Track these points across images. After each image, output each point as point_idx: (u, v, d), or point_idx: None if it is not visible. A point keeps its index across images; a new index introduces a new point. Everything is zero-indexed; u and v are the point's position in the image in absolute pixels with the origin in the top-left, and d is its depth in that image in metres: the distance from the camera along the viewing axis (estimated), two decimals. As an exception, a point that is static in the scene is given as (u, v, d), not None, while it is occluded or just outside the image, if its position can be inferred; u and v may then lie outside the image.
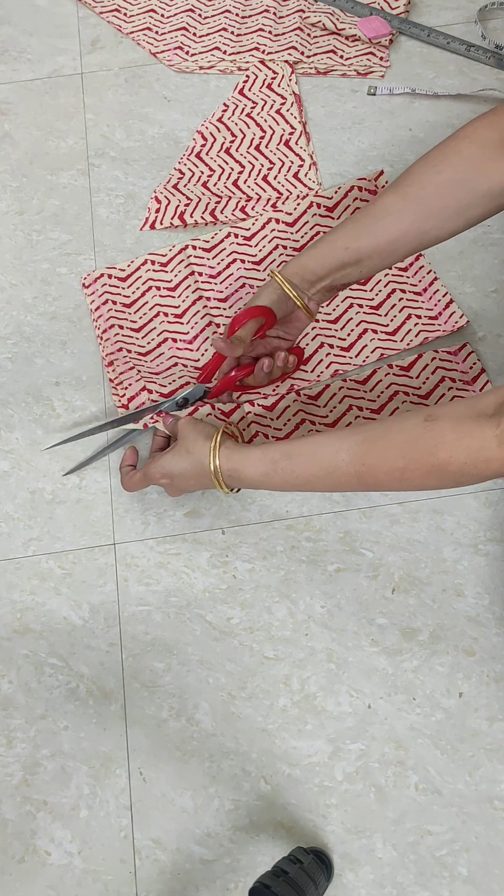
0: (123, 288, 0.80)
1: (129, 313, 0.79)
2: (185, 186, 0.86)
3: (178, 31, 0.98)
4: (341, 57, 0.95)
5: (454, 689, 0.62)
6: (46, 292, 0.81)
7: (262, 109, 0.91)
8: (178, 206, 0.84)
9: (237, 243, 0.81)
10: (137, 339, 0.77)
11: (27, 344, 0.78)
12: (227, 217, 0.83)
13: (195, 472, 0.62)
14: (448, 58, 0.94)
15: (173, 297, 0.79)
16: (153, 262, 0.81)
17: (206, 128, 0.90)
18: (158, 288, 0.80)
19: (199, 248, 0.81)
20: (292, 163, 0.86)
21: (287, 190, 0.85)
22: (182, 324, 0.77)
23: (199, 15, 0.99)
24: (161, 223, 0.84)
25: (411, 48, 0.95)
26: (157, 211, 0.84)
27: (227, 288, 0.79)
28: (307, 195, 0.84)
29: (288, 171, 0.86)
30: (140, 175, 0.88)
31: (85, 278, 0.81)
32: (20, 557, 0.68)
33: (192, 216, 0.83)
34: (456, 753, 0.60)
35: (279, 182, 0.85)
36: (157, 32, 0.98)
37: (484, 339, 0.76)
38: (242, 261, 0.80)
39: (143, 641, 0.64)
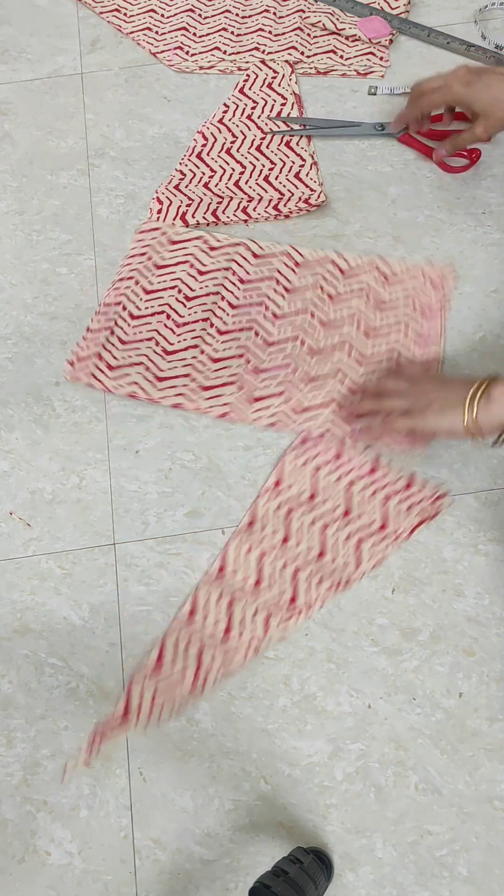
0: (167, 251, 0.80)
1: (154, 274, 0.79)
2: (186, 187, 0.86)
3: (178, 31, 0.98)
4: (341, 57, 0.95)
5: (454, 689, 0.62)
6: (46, 292, 0.81)
7: (262, 111, 0.90)
8: (180, 206, 0.84)
9: (285, 263, 0.80)
10: (141, 299, 0.78)
11: (27, 344, 0.78)
12: (228, 217, 0.83)
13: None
14: (448, 58, 0.94)
15: (196, 280, 0.79)
16: (205, 242, 0.81)
17: (207, 128, 0.90)
18: (192, 265, 0.80)
19: (251, 251, 0.81)
20: (293, 163, 0.86)
21: (289, 190, 0.84)
22: (184, 306, 0.77)
23: (199, 15, 0.99)
24: (163, 223, 0.84)
25: (411, 48, 0.95)
26: (159, 212, 0.84)
27: (245, 298, 0.78)
28: (372, 259, 0.79)
29: (289, 172, 0.86)
30: (140, 175, 0.88)
31: (144, 224, 0.83)
32: (20, 557, 0.68)
33: (193, 217, 0.83)
34: (456, 753, 0.60)
35: (280, 182, 0.85)
36: (157, 32, 0.98)
37: (484, 339, 0.76)
38: (277, 281, 0.79)
39: (143, 641, 0.64)
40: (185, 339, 0.76)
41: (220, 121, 0.90)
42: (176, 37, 0.97)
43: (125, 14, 1.00)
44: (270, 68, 0.93)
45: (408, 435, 0.67)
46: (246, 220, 0.83)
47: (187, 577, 0.66)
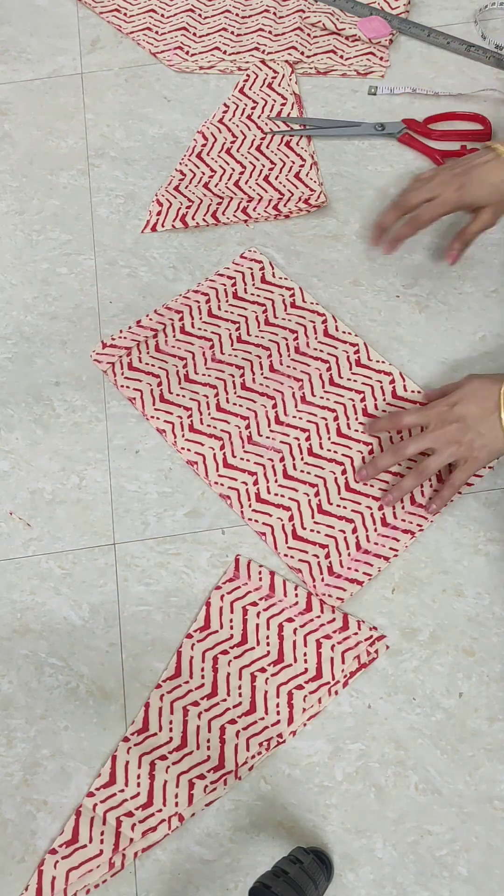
0: (254, 287, 0.79)
1: (227, 303, 0.78)
2: (186, 188, 0.85)
3: (178, 31, 0.98)
4: (341, 57, 0.95)
5: (454, 689, 0.62)
6: (46, 292, 0.81)
7: (262, 111, 0.90)
8: (180, 208, 0.84)
9: (347, 356, 0.75)
10: (201, 319, 0.77)
11: (27, 344, 0.78)
12: (228, 218, 0.83)
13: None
14: (448, 58, 0.94)
15: (258, 327, 0.77)
16: (292, 296, 0.78)
17: (207, 128, 0.90)
18: (265, 311, 0.77)
19: (325, 327, 0.77)
20: (293, 163, 0.86)
21: (289, 190, 0.84)
22: (231, 346, 0.76)
23: (199, 15, 0.99)
24: (162, 225, 0.84)
25: (411, 48, 0.95)
26: (159, 213, 0.84)
27: (288, 368, 0.74)
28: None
29: (289, 172, 0.86)
30: (140, 175, 0.88)
31: (249, 252, 0.81)
32: (20, 557, 0.68)
33: (193, 218, 0.83)
34: (456, 753, 0.60)
35: (280, 182, 0.85)
36: (157, 32, 0.98)
37: (484, 339, 0.76)
38: (329, 368, 0.75)
39: (143, 641, 0.64)
40: (209, 376, 0.74)
41: (220, 121, 0.90)
42: (176, 37, 0.97)
43: (125, 14, 1.00)
44: (270, 68, 0.93)
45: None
46: (246, 220, 0.83)
47: (187, 577, 0.66)
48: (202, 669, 0.62)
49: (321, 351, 0.75)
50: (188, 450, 0.71)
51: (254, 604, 0.64)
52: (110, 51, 0.97)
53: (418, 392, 0.73)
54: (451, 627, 0.64)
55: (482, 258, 0.80)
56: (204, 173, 0.87)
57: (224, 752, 0.59)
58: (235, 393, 0.73)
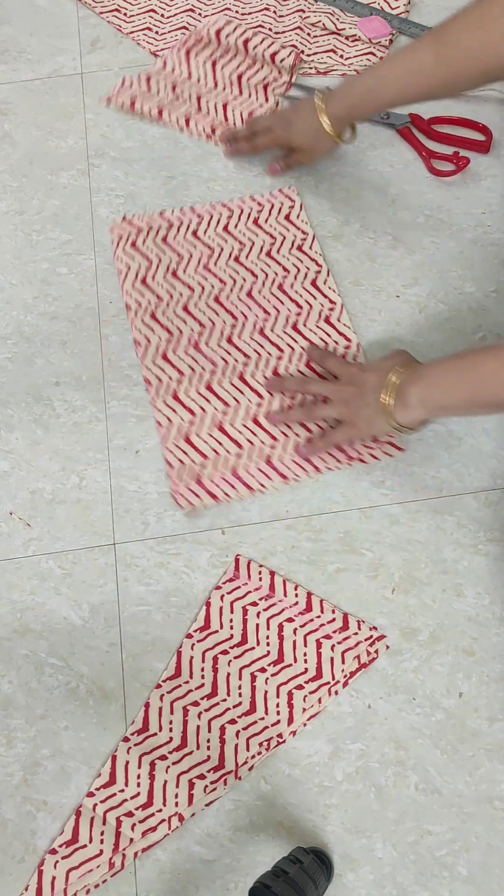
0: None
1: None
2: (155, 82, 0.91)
3: (177, 31, 0.98)
4: (341, 57, 0.95)
5: (454, 689, 0.62)
6: (46, 292, 0.81)
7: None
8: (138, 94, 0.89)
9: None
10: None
11: (27, 344, 0.78)
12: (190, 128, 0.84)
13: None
14: (448, 58, 0.94)
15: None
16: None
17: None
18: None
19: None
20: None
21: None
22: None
23: (200, 15, 0.99)
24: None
25: (411, 48, 0.95)
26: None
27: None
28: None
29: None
30: (140, 175, 0.88)
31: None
32: (20, 557, 0.68)
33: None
34: (456, 753, 0.60)
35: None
36: (157, 32, 0.98)
37: (484, 339, 0.76)
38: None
39: (143, 641, 0.64)
40: (192, 279, 0.79)
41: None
42: (176, 37, 0.97)
43: (125, 14, 1.00)
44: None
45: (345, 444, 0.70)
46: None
47: (187, 577, 0.66)
48: (202, 669, 0.62)
49: (300, 296, 0.79)
50: (139, 331, 0.77)
51: (254, 604, 0.64)
52: (110, 51, 0.97)
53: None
54: (451, 627, 0.64)
55: (482, 258, 0.80)
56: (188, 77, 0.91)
57: (224, 752, 0.59)
58: (206, 302, 0.79)
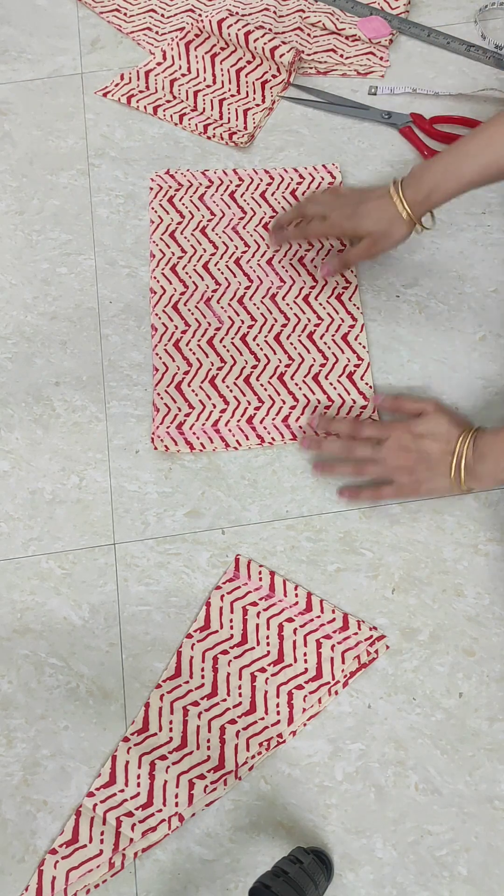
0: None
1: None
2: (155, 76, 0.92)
3: (178, 32, 0.98)
4: (341, 56, 0.95)
5: (454, 689, 0.62)
6: (46, 292, 0.81)
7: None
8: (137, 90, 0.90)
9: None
10: None
11: (27, 344, 0.78)
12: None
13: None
14: (448, 58, 0.94)
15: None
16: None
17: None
18: None
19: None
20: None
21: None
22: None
23: (200, 15, 0.99)
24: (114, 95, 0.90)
25: (411, 48, 0.95)
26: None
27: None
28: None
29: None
30: (140, 175, 0.88)
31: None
32: (20, 557, 0.68)
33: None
34: (456, 753, 0.60)
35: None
36: (157, 32, 0.98)
37: (484, 339, 0.76)
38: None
39: (143, 641, 0.64)
40: (218, 237, 0.81)
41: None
42: (176, 37, 0.97)
43: (125, 14, 1.00)
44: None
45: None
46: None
47: (187, 577, 0.66)
48: (202, 669, 0.62)
49: (317, 270, 0.80)
50: (157, 280, 0.79)
51: (254, 604, 0.64)
52: (110, 51, 0.97)
53: (370, 387, 0.74)
54: (451, 627, 0.64)
55: (482, 258, 0.80)
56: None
57: (224, 752, 0.59)
58: (225, 263, 0.80)
